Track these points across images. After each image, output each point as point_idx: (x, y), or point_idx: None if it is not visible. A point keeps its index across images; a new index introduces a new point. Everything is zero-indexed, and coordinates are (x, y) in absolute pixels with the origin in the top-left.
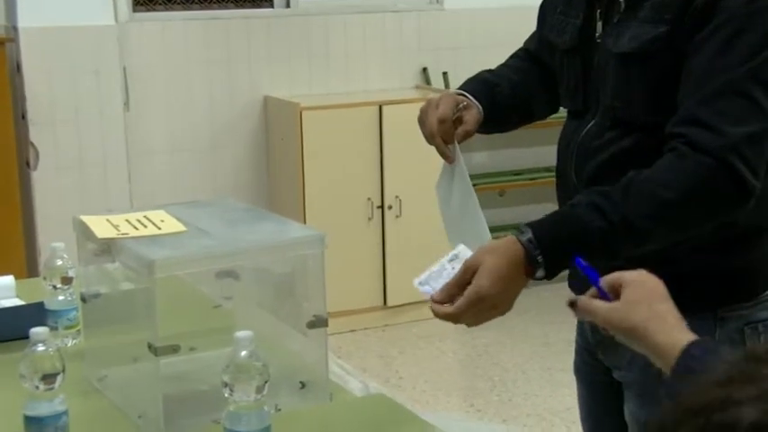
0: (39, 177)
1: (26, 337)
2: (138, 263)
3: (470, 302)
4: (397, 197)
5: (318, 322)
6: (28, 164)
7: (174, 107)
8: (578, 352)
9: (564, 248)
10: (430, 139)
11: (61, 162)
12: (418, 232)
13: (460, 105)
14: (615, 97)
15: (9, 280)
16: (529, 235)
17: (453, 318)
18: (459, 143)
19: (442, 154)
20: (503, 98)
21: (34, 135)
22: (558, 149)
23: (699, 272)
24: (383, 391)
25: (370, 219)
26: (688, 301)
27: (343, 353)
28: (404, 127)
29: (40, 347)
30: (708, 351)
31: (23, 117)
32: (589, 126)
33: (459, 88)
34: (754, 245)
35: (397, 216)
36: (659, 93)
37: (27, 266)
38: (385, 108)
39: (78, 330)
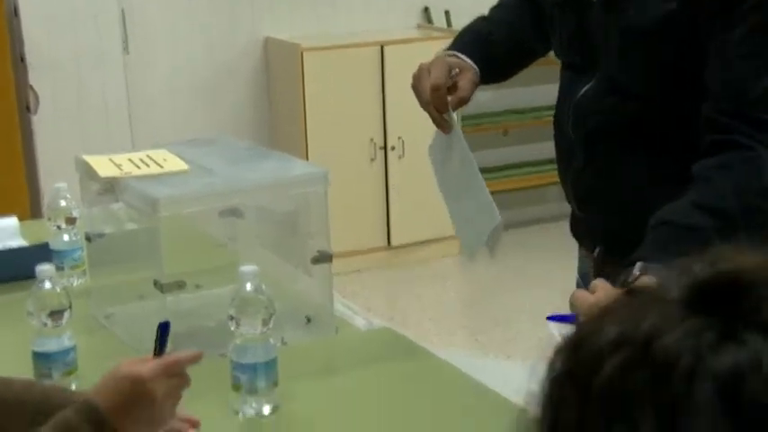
0: (39, 121)
1: (31, 276)
2: (142, 201)
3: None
4: (399, 138)
5: (323, 257)
6: (28, 108)
7: (173, 49)
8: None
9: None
10: (424, 107)
11: (61, 105)
12: (421, 173)
13: (453, 72)
14: (618, 70)
15: (12, 221)
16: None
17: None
18: (454, 110)
19: (437, 123)
20: (498, 46)
21: (33, 79)
22: (558, 100)
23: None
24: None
25: (372, 160)
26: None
27: (348, 293)
28: (406, 67)
29: (47, 284)
30: None
31: (22, 60)
32: (587, 87)
33: (451, 47)
34: None
35: (399, 157)
36: (666, 68)
37: (30, 210)
38: (387, 48)
39: (84, 270)
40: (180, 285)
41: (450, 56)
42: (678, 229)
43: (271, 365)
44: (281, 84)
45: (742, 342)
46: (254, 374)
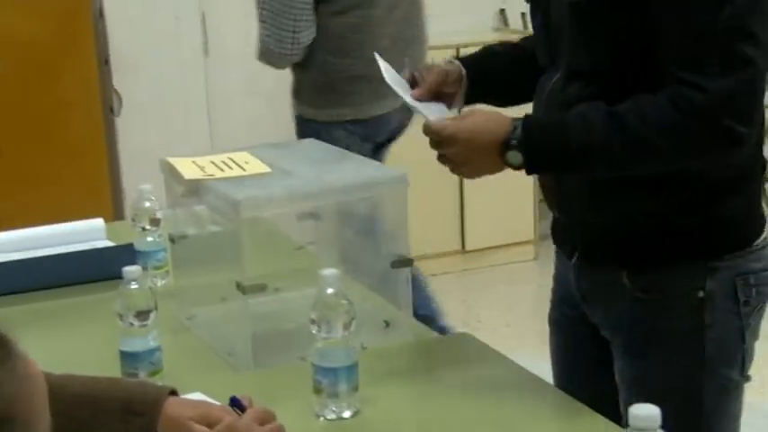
0: (122, 123)
1: (116, 277)
2: (224, 203)
3: (447, 132)
4: None
5: (402, 262)
6: (111, 110)
7: (251, 51)
8: (556, 304)
9: (543, 144)
10: None
11: (143, 107)
12: (496, 176)
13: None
14: (572, 49)
15: (99, 222)
16: (519, 121)
17: (430, 129)
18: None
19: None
20: (500, 56)
21: (117, 81)
22: (533, 104)
23: (687, 223)
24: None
25: None
26: (677, 253)
27: None
28: None
29: (134, 285)
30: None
31: (106, 63)
32: (554, 80)
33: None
34: (739, 192)
35: None
36: (616, 41)
37: (113, 211)
38: (462, 51)
39: (167, 271)
40: (261, 288)
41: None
42: (565, 112)
43: (352, 370)
44: None
45: None
46: (336, 378)
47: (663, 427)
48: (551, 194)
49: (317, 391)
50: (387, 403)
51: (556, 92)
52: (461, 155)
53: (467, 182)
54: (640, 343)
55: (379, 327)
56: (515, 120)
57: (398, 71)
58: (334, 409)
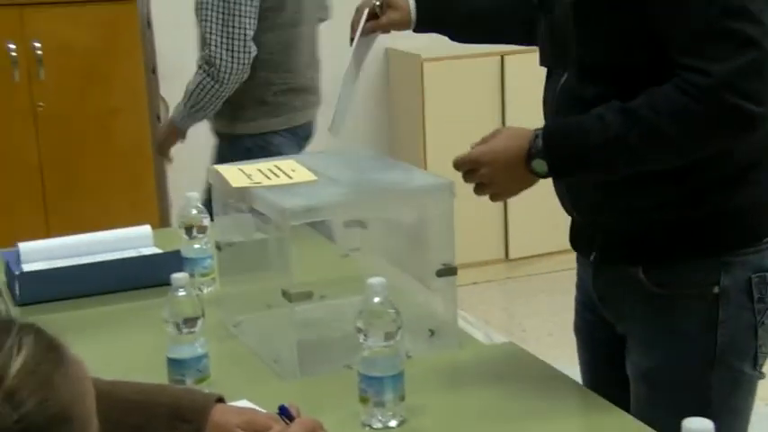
0: None
1: (163, 283)
2: (271, 211)
3: (471, 158)
4: None
5: (447, 271)
6: (158, 118)
7: None
8: (578, 311)
9: (565, 149)
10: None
11: None
12: (541, 184)
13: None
14: (580, 48)
15: (147, 229)
16: (539, 131)
17: (456, 161)
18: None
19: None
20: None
21: (164, 89)
22: (543, 109)
23: (695, 215)
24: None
25: None
26: (688, 247)
27: (466, 305)
28: (526, 77)
29: (182, 292)
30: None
31: (154, 72)
32: (562, 82)
33: None
34: (747, 182)
35: None
36: (620, 37)
37: (159, 218)
38: (507, 58)
39: (213, 278)
40: (308, 296)
41: None
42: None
43: (398, 379)
44: (402, 94)
45: None
46: (382, 387)
47: (669, 419)
48: (565, 198)
49: (364, 400)
50: (433, 412)
51: (568, 92)
52: (488, 175)
53: None
54: (654, 336)
55: (424, 335)
56: (536, 130)
57: (316, 86)
58: (380, 418)
